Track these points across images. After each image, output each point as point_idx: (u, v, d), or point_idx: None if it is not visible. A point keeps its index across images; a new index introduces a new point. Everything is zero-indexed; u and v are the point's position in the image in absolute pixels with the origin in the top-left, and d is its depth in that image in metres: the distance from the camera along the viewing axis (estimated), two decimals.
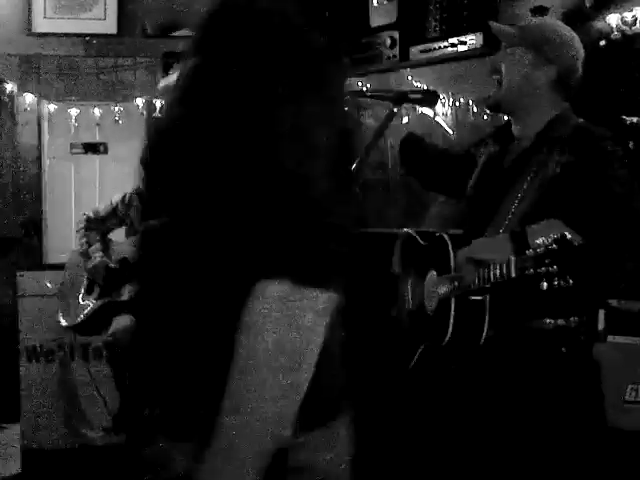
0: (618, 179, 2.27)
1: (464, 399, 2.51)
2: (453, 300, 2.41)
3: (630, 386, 3.37)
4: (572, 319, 2.43)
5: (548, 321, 2.42)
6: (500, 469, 2.47)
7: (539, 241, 2.09)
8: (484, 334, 2.36)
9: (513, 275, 2.18)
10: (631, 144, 3.68)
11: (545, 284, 2.10)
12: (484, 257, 2.31)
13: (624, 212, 2.22)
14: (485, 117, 4.07)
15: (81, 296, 4.25)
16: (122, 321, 4.10)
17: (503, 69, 2.53)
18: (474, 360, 2.43)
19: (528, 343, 2.43)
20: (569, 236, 2.08)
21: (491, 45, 3.97)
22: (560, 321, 2.43)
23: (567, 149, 2.42)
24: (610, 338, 3.44)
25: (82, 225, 4.35)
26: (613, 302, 3.49)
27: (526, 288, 2.18)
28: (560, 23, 2.63)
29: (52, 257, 5.17)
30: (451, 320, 2.41)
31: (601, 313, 3.46)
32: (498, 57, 2.56)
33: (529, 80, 2.51)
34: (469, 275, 2.36)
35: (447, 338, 2.41)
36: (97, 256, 4.21)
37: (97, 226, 4.34)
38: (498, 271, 2.21)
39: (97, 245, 4.26)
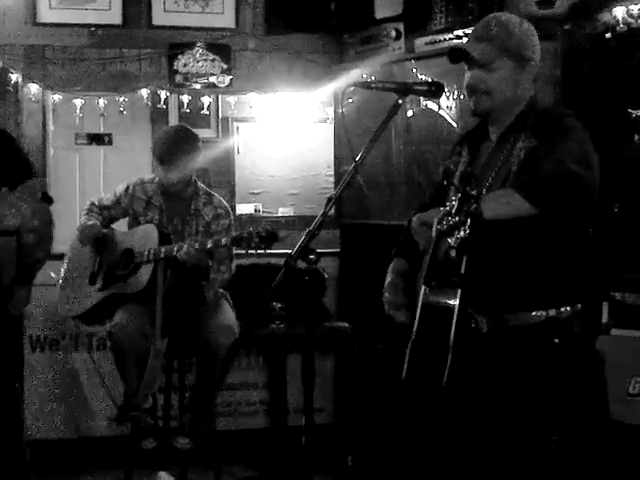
0: (576, 156, 2.27)
1: (461, 396, 2.50)
2: (422, 290, 2.43)
3: (634, 379, 3.37)
4: (563, 309, 2.43)
5: (539, 313, 2.41)
6: (500, 464, 2.47)
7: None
8: (453, 328, 2.34)
9: (434, 234, 2.23)
10: (637, 137, 3.68)
11: (453, 238, 2.18)
12: (427, 218, 2.36)
13: (578, 190, 2.23)
14: None
15: (84, 286, 4.25)
16: (126, 312, 4.10)
17: (490, 84, 2.48)
18: (470, 356, 2.43)
19: (520, 336, 2.42)
20: (471, 190, 2.18)
21: None
22: (551, 312, 2.42)
23: (530, 134, 2.43)
24: (614, 331, 3.44)
25: (86, 208, 4.35)
26: (617, 295, 3.49)
27: (442, 247, 2.25)
28: (515, 16, 2.61)
29: (56, 247, 5.15)
30: (417, 313, 2.43)
31: (605, 306, 3.46)
32: (475, 76, 2.50)
33: (517, 86, 2.51)
34: (422, 240, 2.41)
35: (414, 333, 2.42)
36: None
37: (100, 212, 4.34)
38: (433, 232, 2.26)
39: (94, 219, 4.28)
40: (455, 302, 2.32)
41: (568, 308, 2.43)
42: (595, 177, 2.27)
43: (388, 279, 2.70)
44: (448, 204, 2.21)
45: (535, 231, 2.36)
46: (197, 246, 3.92)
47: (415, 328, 2.42)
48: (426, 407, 2.64)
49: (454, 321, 2.31)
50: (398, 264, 2.72)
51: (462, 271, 2.30)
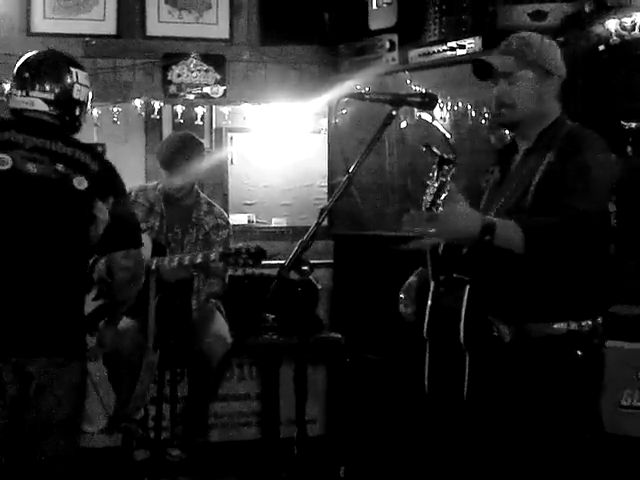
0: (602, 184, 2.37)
1: (483, 406, 2.50)
2: (431, 286, 2.48)
3: (626, 391, 3.37)
4: (584, 323, 2.43)
5: (560, 325, 2.42)
6: (519, 471, 2.47)
7: None
8: (462, 327, 2.37)
9: None
10: (629, 149, 3.69)
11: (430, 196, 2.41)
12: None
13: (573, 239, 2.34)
14: (483, 121, 4.07)
15: None
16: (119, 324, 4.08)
17: (513, 96, 2.53)
18: (492, 365, 2.43)
19: (543, 348, 2.42)
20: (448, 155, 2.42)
21: (490, 49, 3.98)
22: (572, 325, 2.42)
23: (557, 153, 2.46)
24: (608, 343, 3.44)
25: None
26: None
27: None
28: (535, 34, 2.66)
29: None
30: (427, 313, 2.48)
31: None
32: (500, 89, 2.56)
33: (540, 98, 2.54)
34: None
35: (425, 335, 2.48)
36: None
37: None
38: None
39: None
40: (463, 302, 2.37)
41: (589, 321, 2.45)
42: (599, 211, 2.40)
43: (408, 280, 2.78)
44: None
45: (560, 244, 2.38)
46: (186, 261, 3.93)
47: (425, 329, 2.49)
48: (449, 417, 2.66)
49: (462, 321, 2.36)
50: (423, 271, 2.75)
51: (471, 268, 2.37)
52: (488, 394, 2.47)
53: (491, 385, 2.46)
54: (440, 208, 2.34)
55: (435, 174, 2.38)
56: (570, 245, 2.35)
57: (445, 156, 2.40)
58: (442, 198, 2.34)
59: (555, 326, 2.42)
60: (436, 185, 2.36)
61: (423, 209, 2.41)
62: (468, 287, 2.37)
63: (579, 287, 2.44)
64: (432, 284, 2.49)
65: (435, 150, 2.47)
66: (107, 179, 2.87)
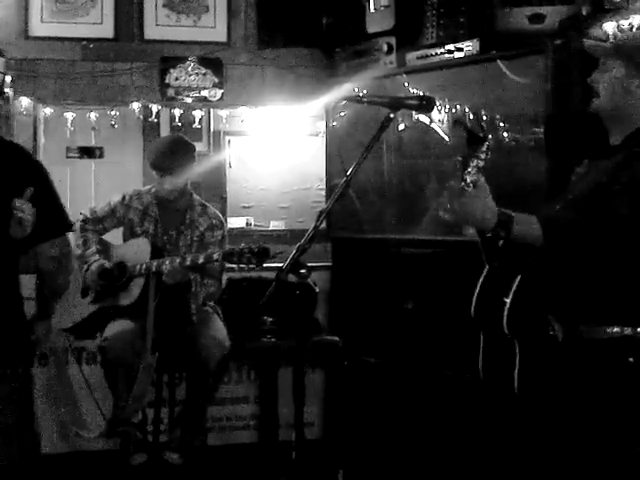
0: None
1: (533, 401, 2.49)
2: (485, 272, 2.50)
3: None
4: None
5: (614, 329, 2.36)
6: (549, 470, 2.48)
7: None
8: (505, 317, 2.37)
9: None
10: None
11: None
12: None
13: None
14: (481, 124, 4.07)
15: (75, 299, 4.23)
16: (117, 326, 4.08)
17: (600, 82, 2.48)
18: (545, 362, 2.42)
19: (594, 350, 2.38)
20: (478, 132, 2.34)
21: (488, 52, 3.99)
22: (627, 330, 2.36)
23: (631, 156, 2.39)
24: None
25: (78, 225, 4.30)
26: None
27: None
28: None
29: None
30: (474, 301, 2.49)
31: None
32: (593, 75, 2.52)
33: (626, 91, 2.46)
34: None
35: (472, 313, 2.49)
36: (93, 260, 4.18)
37: (94, 226, 4.31)
38: None
39: (93, 248, 4.23)
40: (510, 292, 2.37)
41: None
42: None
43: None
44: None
45: (619, 245, 2.33)
46: (188, 262, 3.92)
47: (472, 312, 2.50)
48: (501, 405, 2.65)
49: (506, 310, 2.36)
50: None
51: (524, 259, 2.35)
52: (540, 390, 2.44)
53: (543, 382, 2.43)
54: (471, 187, 2.27)
55: (466, 152, 2.33)
56: (602, 246, 2.29)
57: (475, 134, 2.34)
58: (467, 172, 2.28)
59: (608, 330, 2.37)
60: (464, 163, 2.32)
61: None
62: (519, 278, 2.36)
63: (635, 291, 2.37)
64: (486, 268, 2.48)
65: (467, 124, 2.42)
66: (12, 171, 2.71)
